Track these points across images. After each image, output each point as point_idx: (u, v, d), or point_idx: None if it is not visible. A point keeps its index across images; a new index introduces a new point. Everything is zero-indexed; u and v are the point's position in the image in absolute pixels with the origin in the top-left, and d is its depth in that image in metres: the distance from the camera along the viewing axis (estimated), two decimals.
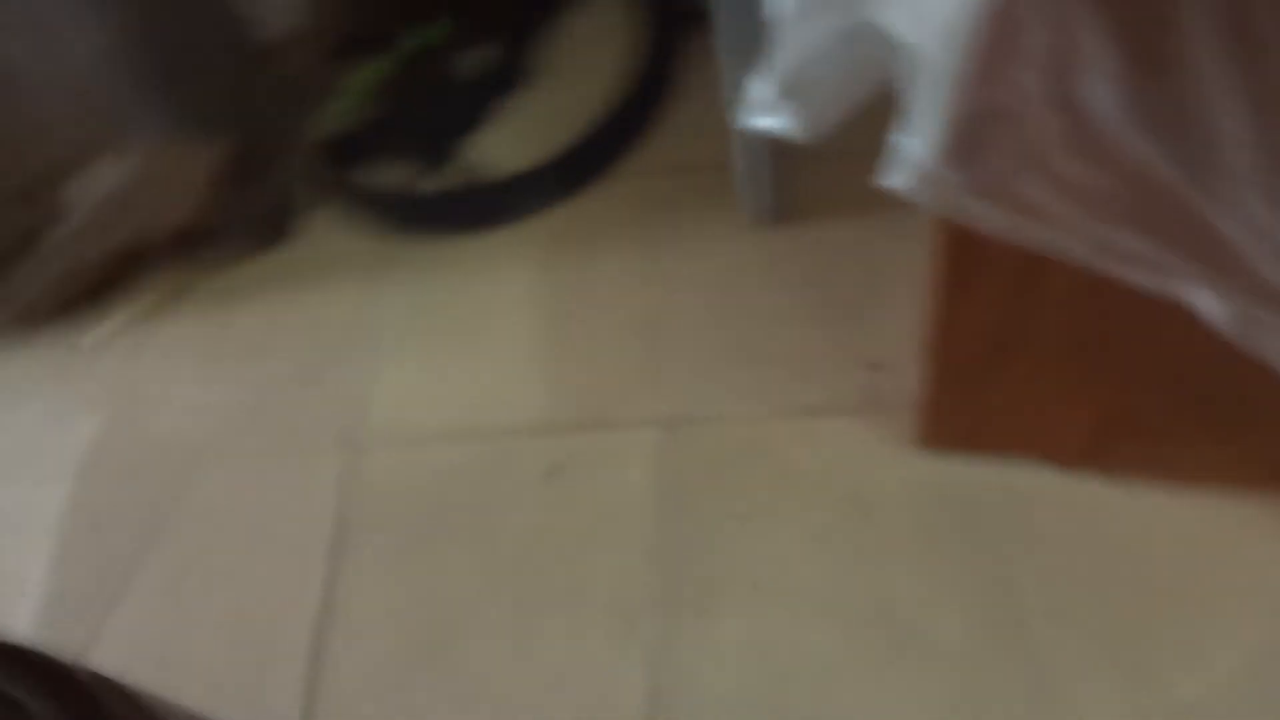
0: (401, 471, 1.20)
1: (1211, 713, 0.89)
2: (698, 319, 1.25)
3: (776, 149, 1.21)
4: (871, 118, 0.67)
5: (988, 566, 1.01)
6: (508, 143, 1.46)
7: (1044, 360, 0.91)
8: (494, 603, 1.08)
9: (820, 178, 1.32)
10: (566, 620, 1.05)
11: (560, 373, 1.24)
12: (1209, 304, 0.66)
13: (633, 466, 1.15)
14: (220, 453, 1.26)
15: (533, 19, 1.55)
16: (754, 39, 1.04)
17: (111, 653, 1.10)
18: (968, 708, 0.93)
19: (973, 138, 0.56)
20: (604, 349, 1.25)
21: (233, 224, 1.36)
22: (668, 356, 1.23)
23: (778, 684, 0.98)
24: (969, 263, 0.79)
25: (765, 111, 0.58)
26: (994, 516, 1.04)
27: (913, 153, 0.55)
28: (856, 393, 1.15)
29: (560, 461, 1.17)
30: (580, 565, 1.09)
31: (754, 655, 1.00)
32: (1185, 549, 0.99)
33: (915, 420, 1.06)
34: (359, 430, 1.24)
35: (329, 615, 1.09)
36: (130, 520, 1.22)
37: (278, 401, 1.29)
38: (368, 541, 1.15)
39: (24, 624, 1.14)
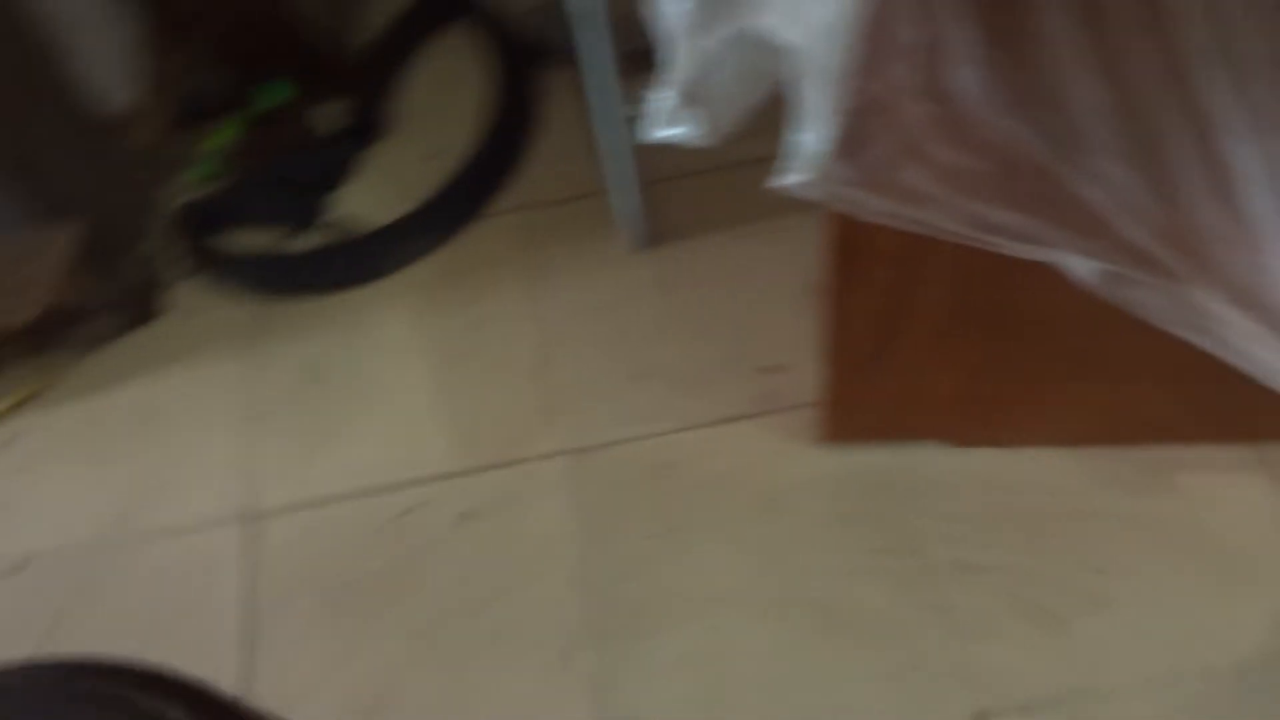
0: (308, 538, 1.16)
1: (1115, 650, 0.97)
2: (587, 347, 1.26)
3: (645, 172, 1.24)
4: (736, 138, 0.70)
5: (899, 543, 1.06)
6: (374, 194, 1.44)
7: (932, 340, 0.95)
8: (423, 659, 1.05)
9: (691, 195, 1.35)
10: (501, 666, 1.03)
11: (458, 417, 1.23)
12: (1077, 266, 0.71)
13: (545, 500, 1.15)
14: (109, 546, 1.18)
15: (384, 68, 1.54)
16: (618, 67, 1.07)
17: None
18: (903, 673, 0.98)
19: (857, 132, 0.60)
20: (498, 387, 1.25)
21: (97, 306, 1.30)
22: (563, 387, 1.23)
23: (725, 692, 0.99)
24: (858, 253, 0.82)
25: (667, 122, 0.60)
26: (899, 497, 1.09)
27: (805, 150, 0.58)
28: (754, 398, 1.19)
29: (472, 507, 1.15)
30: (507, 607, 1.07)
31: (696, 668, 1.01)
32: (1077, 505, 1.06)
33: (815, 417, 1.10)
34: (258, 501, 1.19)
35: (251, 700, 1.04)
36: (11, 639, 1.13)
37: (166, 483, 1.22)
38: (281, 616, 1.10)
39: None
